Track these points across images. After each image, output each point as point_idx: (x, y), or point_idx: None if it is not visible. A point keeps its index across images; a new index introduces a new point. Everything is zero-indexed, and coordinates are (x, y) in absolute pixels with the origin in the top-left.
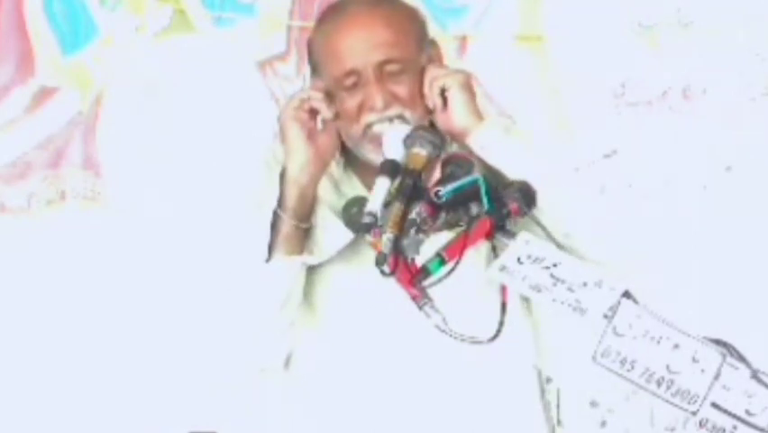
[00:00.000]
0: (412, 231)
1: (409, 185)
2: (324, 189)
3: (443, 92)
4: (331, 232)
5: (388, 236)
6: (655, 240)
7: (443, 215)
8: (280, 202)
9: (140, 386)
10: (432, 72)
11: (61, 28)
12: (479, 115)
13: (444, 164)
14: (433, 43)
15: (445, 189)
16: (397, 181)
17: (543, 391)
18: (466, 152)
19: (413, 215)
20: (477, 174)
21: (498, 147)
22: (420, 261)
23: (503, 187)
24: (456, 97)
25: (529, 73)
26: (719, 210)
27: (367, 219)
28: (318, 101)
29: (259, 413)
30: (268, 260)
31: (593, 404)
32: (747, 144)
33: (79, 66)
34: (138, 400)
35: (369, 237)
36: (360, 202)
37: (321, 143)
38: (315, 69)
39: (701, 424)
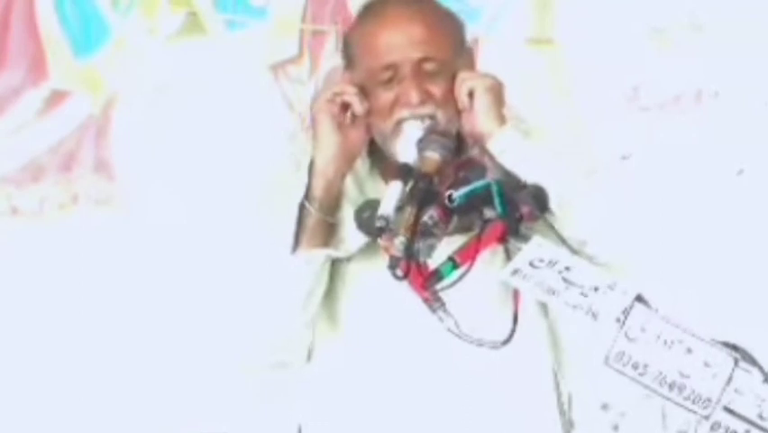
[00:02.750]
0: (425, 235)
1: (422, 189)
2: (350, 187)
3: (470, 94)
4: (354, 228)
5: (400, 240)
6: (666, 243)
7: (455, 219)
8: (307, 194)
9: (155, 387)
10: (463, 74)
11: (73, 31)
12: (501, 120)
13: (457, 168)
14: (468, 50)
15: (458, 193)
16: (410, 185)
17: (559, 395)
18: (481, 157)
19: (425, 218)
20: (490, 178)
21: (517, 152)
22: (433, 264)
23: (516, 190)
24: (481, 100)
25: (541, 76)
26: (731, 214)
27: (379, 223)
28: (351, 95)
29: (277, 407)
30: (293, 252)
31: (605, 407)
32: (760, 148)
33: (92, 69)
34: (152, 401)
35: (381, 241)
36: (372, 206)
37: (350, 137)
38: (350, 64)
39: (713, 428)
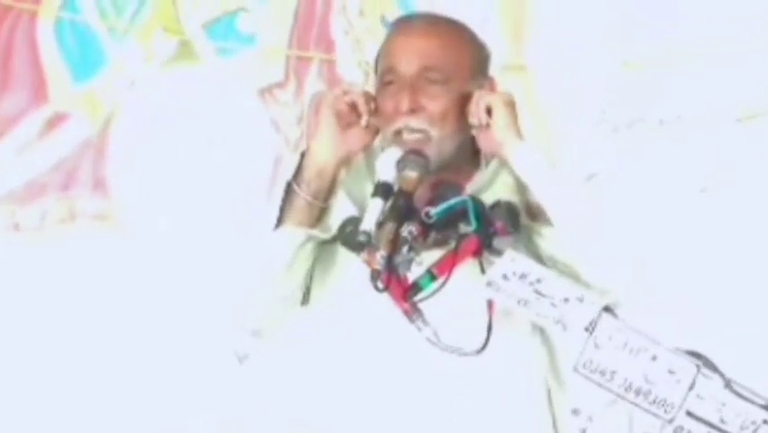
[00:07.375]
0: (404, 249)
1: (401, 206)
2: (356, 183)
3: (488, 111)
4: (339, 210)
5: (381, 254)
6: (632, 257)
7: (433, 234)
8: (296, 175)
9: (153, 387)
10: (479, 92)
11: (73, 57)
12: (519, 133)
13: (434, 186)
14: (490, 80)
15: (435, 210)
16: (390, 202)
17: (551, 403)
18: (454, 177)
19: (405, 234)
20: (465, 196)
21: (532, 164)
22: (412, 277)
23: (490, 207)
24: (500, 114)
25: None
26: (696, 227)
27: (361, 238)
28: (357, 95)
29: (253, 381)
30: (276, 228)
31: (575, 412)
32: (721, 167)
33: (90, 93)
34: (151, 399)
35: (363, 255)
36: (354, 222)
37: (350, 135)
38: (375, 70)
39: (677, 431)
